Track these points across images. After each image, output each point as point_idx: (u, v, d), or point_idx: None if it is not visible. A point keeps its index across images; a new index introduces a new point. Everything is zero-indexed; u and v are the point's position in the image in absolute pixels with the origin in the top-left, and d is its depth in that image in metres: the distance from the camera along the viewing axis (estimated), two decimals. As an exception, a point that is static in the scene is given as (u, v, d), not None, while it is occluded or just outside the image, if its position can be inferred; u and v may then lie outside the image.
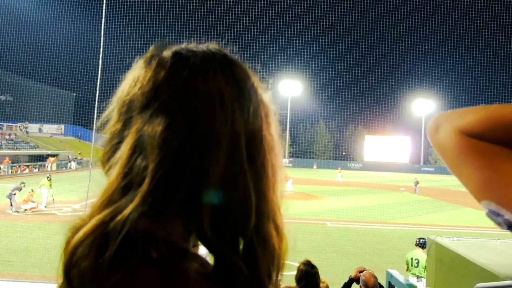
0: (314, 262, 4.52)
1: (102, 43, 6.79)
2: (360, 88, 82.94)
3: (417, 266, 8.18)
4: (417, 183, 32.27)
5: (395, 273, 8.05)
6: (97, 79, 6.76)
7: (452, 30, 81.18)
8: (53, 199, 18.58)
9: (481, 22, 78.57)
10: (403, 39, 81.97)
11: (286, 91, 67.65)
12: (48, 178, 18.99)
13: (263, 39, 78.26)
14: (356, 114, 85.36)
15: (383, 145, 76.19)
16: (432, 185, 39.06)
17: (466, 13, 78.73)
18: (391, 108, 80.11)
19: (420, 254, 8.22)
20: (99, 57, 6.79)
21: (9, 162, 38.76)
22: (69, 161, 45.65)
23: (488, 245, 6.46)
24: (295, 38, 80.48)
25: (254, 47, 79.23)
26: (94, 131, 7.13)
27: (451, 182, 45.82)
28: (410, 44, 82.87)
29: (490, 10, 75.50)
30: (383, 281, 6.57)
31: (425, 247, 8.28)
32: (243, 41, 77.89)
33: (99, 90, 6.84)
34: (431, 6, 79.55)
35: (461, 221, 18.74)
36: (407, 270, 8.48)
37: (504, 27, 78.11)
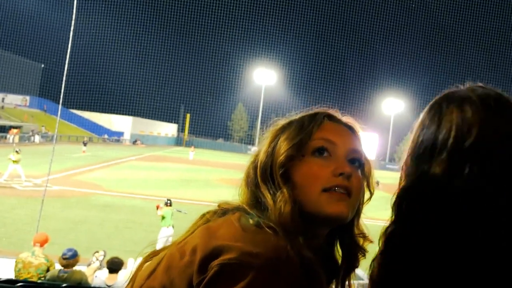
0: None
1: (74, 16, 6.55)
2: (332, 82, 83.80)
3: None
4: (377, 183, 32.99)
5: (360, 272, 8.24)
6: (66, 51, 6.52)
7: (423, 31, 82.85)
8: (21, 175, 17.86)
9: (450, 25, 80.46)
10: (376, 38, 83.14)
11: (260, 79, 67.60)
12: (17, 151, 18.03)
13: (239, 26, 77.78)
14: (327, 108, 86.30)
15: (351, 140, 77.24)
16: (396, 182, 40.08)
17: (437, 15, 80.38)
18: (361, 104, 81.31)
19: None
20: (70, 29, 6.55)
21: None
22: (33, 135, 44.25)
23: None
24: (270, 27, 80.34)
25: (229, 33, 78.62)
26: (60, 104, 6.90)
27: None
28: (382, 43, 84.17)
29: (461, 14, 77.42)
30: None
31: None
32: (218, 27, 77.19)
33: (68, 63, 6.60)
34: (405, 7, 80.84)
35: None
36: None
37: (473, 30, 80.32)
